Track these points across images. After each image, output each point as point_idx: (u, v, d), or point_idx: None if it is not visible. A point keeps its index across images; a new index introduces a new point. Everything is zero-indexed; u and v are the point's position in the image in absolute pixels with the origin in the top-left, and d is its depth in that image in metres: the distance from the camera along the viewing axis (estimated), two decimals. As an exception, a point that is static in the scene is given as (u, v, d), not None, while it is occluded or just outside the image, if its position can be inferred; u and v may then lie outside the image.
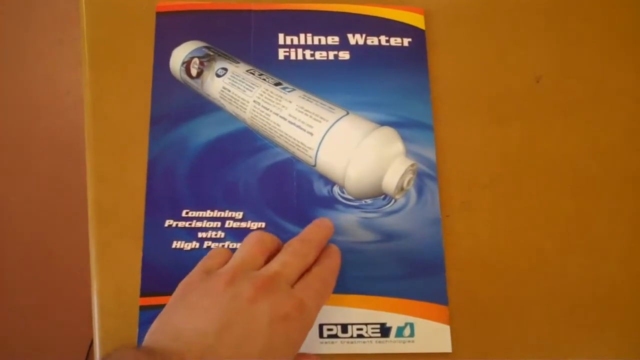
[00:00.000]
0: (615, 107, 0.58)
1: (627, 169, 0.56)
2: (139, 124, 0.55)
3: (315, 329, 0.51)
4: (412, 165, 0.53)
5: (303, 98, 0.54)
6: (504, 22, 0.60)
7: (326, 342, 0.51)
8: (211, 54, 0.56)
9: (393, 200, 0.54)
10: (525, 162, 0.56)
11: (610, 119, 0.58)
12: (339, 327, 0.51)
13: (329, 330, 0.51)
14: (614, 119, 0.58)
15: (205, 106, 0.56)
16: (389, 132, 0.53)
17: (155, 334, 0.41)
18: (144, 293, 0.51)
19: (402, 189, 0.54)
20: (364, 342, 0.51)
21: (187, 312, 0.41)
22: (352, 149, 0.52)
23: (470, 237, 0.54)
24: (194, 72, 0.56)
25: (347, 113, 0.53)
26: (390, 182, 0.53)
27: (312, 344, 0.50)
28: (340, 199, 0.54)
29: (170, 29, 0.58)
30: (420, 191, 0.54)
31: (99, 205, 0.54)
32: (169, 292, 0.50)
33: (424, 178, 0.55)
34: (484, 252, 0.54)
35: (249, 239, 0.46)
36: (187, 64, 0.56)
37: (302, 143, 0.53)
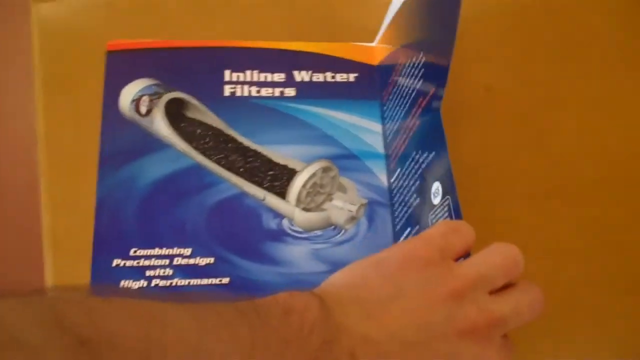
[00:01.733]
0: (566, 113, 0.59)
1: (582, 175, 0.56)
2: (90, 160, 0.55)
3: None
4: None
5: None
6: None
7: None
8: (161, 91, 0.57)
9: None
10: (479, 170, 0.56)
11: (564, 127, 0.58)
12: None
13: None
14: (567, 127, 0.58)
15: (154, 144, 0.56)
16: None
17: (345, 287, 0.37)
18: (90, 333, 0.50)
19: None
20: None
21: (391, 297, 0.35)
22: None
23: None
24: (143, 110, 0.56)
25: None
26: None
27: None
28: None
29: (121, 67, 0.58)
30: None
31: (54, 238, 0.54)
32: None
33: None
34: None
35: (502, 250, 0.38)
36: (136, 102, 0.56)
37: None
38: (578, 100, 0.59)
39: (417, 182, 0.50)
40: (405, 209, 0.52)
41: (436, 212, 0.46)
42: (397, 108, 0.55)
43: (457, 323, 0.34)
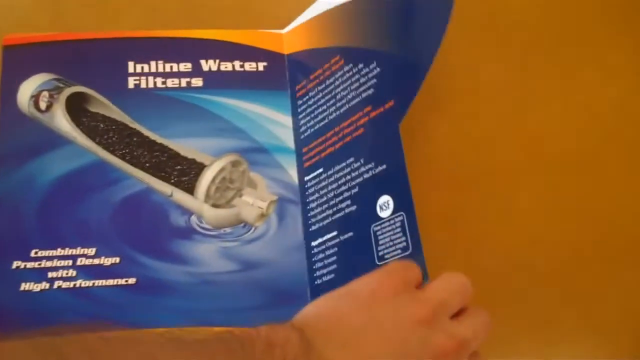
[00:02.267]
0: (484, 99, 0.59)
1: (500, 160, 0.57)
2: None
3: None
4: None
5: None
6: None
7: None
8: (61, 86, 0.54)
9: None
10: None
11: (482, 111, 0.59)
12: None
13: None
14: (486, 111, 0.59)
15: (55, 140, 0.54)
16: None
17: (320, 318, 0.39)
18: (-10, 339, 0.48)
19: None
20: None
21: (366, 325, 0.38)
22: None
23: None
24: (43, 105, 0.54)
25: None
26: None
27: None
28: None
29: (18, 62, 0.56)
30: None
31: None
32: (17, 336, 0.48)
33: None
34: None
35: (455, 278, 0.41)
36: (36, 98, 0.54)
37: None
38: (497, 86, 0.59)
39: (354, 190, 0.50)
40: (329, 212, 0.52)
41: (383, 225, 0.47)
42: (324, 107, 0.55)
43: (430, 349, 0.37)
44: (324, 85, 0.55)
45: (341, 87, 0.53)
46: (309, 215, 0.53)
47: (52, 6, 0.59)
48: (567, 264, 0.54)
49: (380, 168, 0.49)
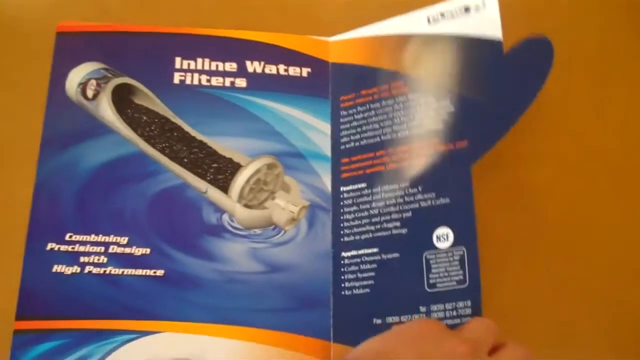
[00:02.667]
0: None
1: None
2: (30, 144, 0.54)
3: None
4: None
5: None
6: None
7: None
8: (109, 75, 0.56)
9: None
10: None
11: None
12: None
13: None
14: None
15: (98, 128, 0.55)
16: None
17: (371, 352, 0.41)
18: (19, 316, 0.50)
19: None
20: None
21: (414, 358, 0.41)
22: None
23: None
24: (90, 93, 0.55)
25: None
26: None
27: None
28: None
29: (70, 49, 0.57)
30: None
31: None
32: (45, 317, 0.49)
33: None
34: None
35: (483, 321, 0.45)
36: (83, 85, 0.55)
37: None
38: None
39: (406, 214, 0.52)
40: (370, 227, 0.53)
41: (438, 255, 0.49)
42: (375, 126, 0.55)
43: None
44: (379, 105, 0.55)
45: (402, 112, 0.54)
46: (342, 225, 0.54)
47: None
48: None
49: (442, 200, 0.50)
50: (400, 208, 0.52)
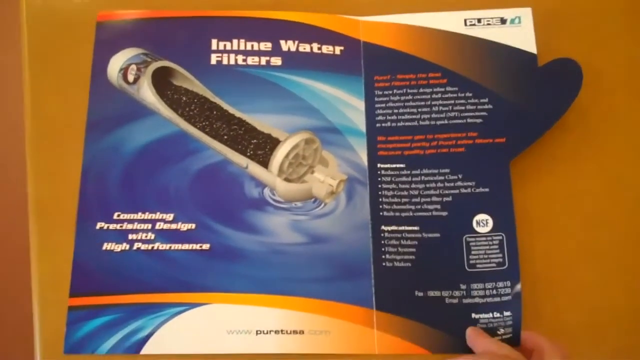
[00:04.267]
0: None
1: None
2: (76, 128, 0.56)
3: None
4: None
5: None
6: None
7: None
8: (148, 60, 0.57)
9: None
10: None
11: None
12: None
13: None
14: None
15: (140, 111, 0.57)
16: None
17: None
18: (73, 293, 0.52)
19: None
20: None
21: None
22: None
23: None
24: (130, 78, 0.57)
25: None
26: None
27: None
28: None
29: (110, 36, 0.59)
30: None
31: (38, 202, 0.56)
32: (98, 292, 0.51)
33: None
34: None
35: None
36: (124, 71, 0.57)
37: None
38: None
39: (446, 198, 0.55)
40: (410, 207, 0.55)
41: (478, 239, 0.53)
42: (413, 110, 0.58)
43: None
44: (416, 90, 0.57)
45: (440, 102, 0.57)
46: (380, 200, 0.55)
47: None
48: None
49: (482, 189, 0.54)
50: (441, 192, 0.55)
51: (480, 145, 0.55)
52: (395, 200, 0.55)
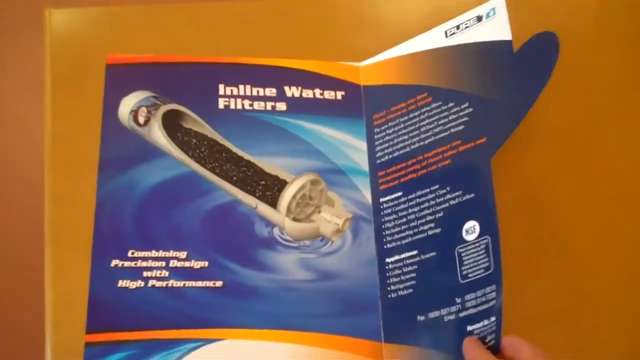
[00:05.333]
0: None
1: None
2: (88, 167, 0.57)
3: None
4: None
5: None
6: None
7: None
8: (158, 102, 0.59)
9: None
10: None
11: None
12: None
13: None
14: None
15: (152, 151, 0.59)
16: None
17: None
18: (89, 330, 0.53)
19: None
20: None
21: None
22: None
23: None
24: (141, 120, 0.59)
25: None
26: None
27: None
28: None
29: (119, 79, 0.61)
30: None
31: (55, 236, 0.57)
32: (114, 329, 0.52)
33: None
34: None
35: None
36: (135, 113, 0.59)
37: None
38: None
39: (438, 215, 0.55)
40: (409, 232, 0.57)
41: (467, 248, 0.53)
42: (405, 137, 0.59)
43: None
44: (406, 118, 0.60)
45: (427, 121, 0.58)
46: (384, 233, 0.58)
47: (153, 27, 0.64)
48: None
49: (468, 196, 0.54)
50: (433, 210, 0.56)
51: (464, 152, 0.56)
52: (396, 230, 0.57)
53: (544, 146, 0.63)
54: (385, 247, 0.57)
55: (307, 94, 0.62)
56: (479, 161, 0.54)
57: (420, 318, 0.54)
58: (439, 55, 0.61)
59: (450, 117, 0.57)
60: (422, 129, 0.59)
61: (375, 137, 0.61)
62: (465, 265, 0.53)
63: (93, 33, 0.64)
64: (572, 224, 0.61)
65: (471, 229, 0.53)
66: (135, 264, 0.55)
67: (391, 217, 0.58)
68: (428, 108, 0.59)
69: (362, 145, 0.61)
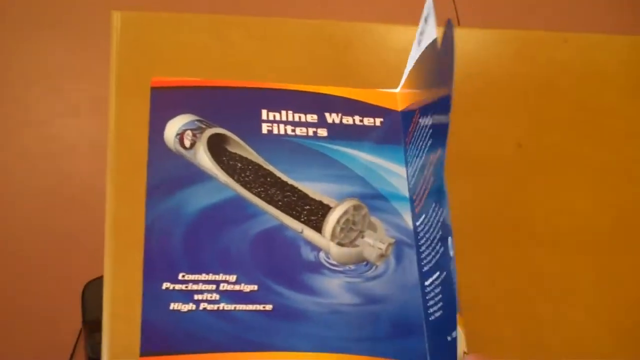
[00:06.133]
0: (584, 170, 0.68)
1: (599, 227, 0.66)
2: (136, 190, 0.58)
3: None
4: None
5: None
6: (493, 99, 0.70)
7: None
8: (203, 126, 0.60)
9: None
10: (506, 217, 0.64)
11: (581, 181, 0.68)
12: None
13: None
14: (584, 181, 0.68)
15: (199, 175, 0.59)
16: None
17: None
18: (143, 353, 0.53)
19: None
20: None
21: None
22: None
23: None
24: (187, 143, 0.59)
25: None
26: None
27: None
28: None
29: (164, 102, 0.61)
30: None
31: (115, 269, 0.57)
32: (167, 352, 0.53)
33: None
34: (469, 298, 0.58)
35: None
36: (180, 136, 0.59)
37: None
38: (594, 162, 0.69)
39: (439, 233, 0.55)
40: (433, 253, 0.57)
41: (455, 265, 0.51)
42: (415, 160, 0.61)
43: None
44: (417, 128, 0.61)
45: (424, 125, 0.57)
46: (421, 257, 0.59)
47: (192, 52, 0.65)
48: None
49: (445, 212, 0.52)
50: (438, 228, 0.55)
51: (436, 166, 0.54)
52: (427, 252, 0.58)
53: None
54: (423, 270, 0.59)
55: (347, 120, 0.64)
56: (440, 176, 0.53)
57: (449, 338, 0.55)
58: (420, 67, 0.60)
59: (424, 133, 0.57)
60: (423, 134, 0.58)
61: (407, 159, 0.62)
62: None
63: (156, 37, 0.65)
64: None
65: (451, 245, 0.51)
66: (186, 287, 0.56)
67: (423, 240, 0.59)
68: (418, 126, 0.59)
69: (402, 170, 0.63)
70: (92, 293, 0.93)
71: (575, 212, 0.66)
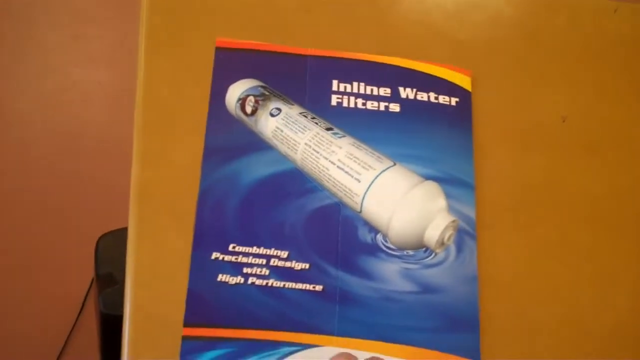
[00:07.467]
0: (633, 150, 0.63)
1: None
2: (193, 154, 0.56)
3: None
4: (453, 221, 0.55)
5: (353, 145, 0.56)
6: (537, 69, 0.65)
7: None
8: (266, 93, 0.58)
9: (433, 254, 0.56)
10: (548, 195, 0.60)
11: (629, 161, 0.63)
12: None
13: None
14: (633, 162, 0.62)
15: (257, 144, 0.57)
16: (433, 187, 0.55)
17: None
18: (187, 323, 0.52)
19: (442, 243, 0.55)
20: None
21: None
22: (397, 199, 0.54)
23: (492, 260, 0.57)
24: (248, 109, 0.57)
25: (394, 164, 0.55)
26: (432, 235, 0.55)
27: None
28: (383, 247, 0.55)
29: (228, 64, 0.59)
30: (459, 248, 0.56)
31: (141, 230, 0.55)
32: (211, 324, 0.51)
33: (463, 235, 0.56)
34: (503, 274, 0.57)
35: None
36: (242, 101, 0.57)
37: (349, 189, 0.55)
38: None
39: None
40: None
41: None
42: None
43: None
44: None
45: None
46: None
47: (266, 13, 0.62)
48: None
49: None
50: None
51: None
52: None
53: None
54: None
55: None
56: None
57: None
58: None
59: None
60: None
61: None
62: None
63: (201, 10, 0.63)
64: None
65: None
66: (236, 258, 0.54)
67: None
68: None
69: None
70: (105, 246, 0.92)
71: (620, 194, 0.61)
